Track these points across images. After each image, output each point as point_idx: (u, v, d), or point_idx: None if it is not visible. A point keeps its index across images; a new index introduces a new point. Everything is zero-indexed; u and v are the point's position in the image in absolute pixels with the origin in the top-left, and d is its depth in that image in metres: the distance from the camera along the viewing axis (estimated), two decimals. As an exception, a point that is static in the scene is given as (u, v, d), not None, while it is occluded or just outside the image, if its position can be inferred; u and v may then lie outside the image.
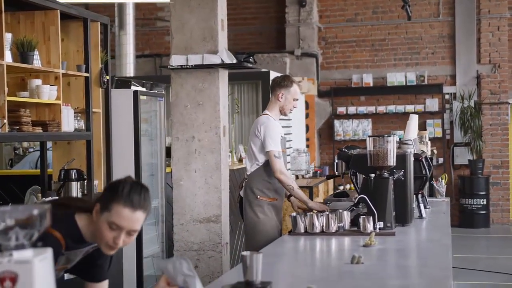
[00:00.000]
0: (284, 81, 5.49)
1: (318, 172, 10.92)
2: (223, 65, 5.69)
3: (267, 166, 5.32)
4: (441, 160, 12.89)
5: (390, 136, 4.55)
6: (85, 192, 5.84)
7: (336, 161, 5.33)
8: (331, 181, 10.83)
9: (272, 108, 5.48)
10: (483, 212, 12.60)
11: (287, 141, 10.08)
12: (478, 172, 12.61)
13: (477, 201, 12.55)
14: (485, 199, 12.58)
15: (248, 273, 2.83)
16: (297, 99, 5.51)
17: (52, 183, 5.84)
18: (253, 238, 5.40)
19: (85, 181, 5.83)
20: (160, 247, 7.09)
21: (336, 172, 5.39)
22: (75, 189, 5.65)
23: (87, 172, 5.86)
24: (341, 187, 10.30)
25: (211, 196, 5.71)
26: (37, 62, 5.16)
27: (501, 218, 12.93)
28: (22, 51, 5.00)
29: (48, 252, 1.85)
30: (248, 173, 5.50)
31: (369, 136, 4.59)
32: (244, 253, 2.82)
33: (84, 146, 5.91)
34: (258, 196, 5.38)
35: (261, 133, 5.31)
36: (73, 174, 5.67)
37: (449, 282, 2.92)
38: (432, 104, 12.96)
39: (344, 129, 13.26)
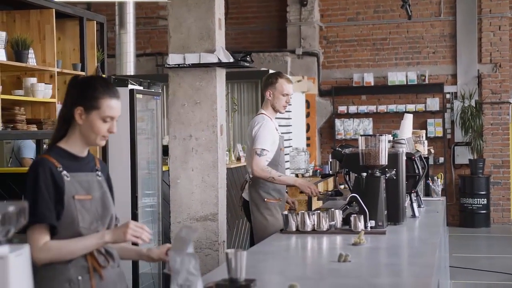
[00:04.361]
0: (269, 79, 5.48)
1: (319, 171, 10.92)
2: (220, 64, 5.69)
3: (270, 165, 5.31)
4: (441, 159, 12.89)
5: (382, 135, 4.56)
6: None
7: (330, 160, 5.34)
8: (331, 180, 10.84)
9: (266, 107, 5.50)
10: (484, 211, 12.60)
11: (286, 139, 10.17)
12: (478, 171, 12.60)
13: (477, 200, 12.54)
14: (485, 199, 12.57)
15: (232, 271, 2.86)
16: (286, 94, 5.45)
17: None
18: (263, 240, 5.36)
19: (81, 179, 5.85)
20: (157, 245, 7.11)
21: (330, 171, 5.39)
22: (71, 187, 5.65)
23: (82, 170, 5.87)
24: (342, 186, 10.28)
25: (208, 194, 5.70)
26: (32, 60, 5.18)
27: (501, 217, 12.92)
28: (17, 50, 5.02)
29: (25, 248, 1.88)
30: (251, 175, 5.46)
31: (361, 135, 4.60)
32: (228, 251, 2.85)
33: (80, 144, 5.92)
34: (266, 199, 5.37)
35: (256, 131, 5.33)
36: (69, 172, 5.67)
37: (431, 280, 2.94)
38: (433, 103, 12.95)
39: (345, 128, 13.27)
